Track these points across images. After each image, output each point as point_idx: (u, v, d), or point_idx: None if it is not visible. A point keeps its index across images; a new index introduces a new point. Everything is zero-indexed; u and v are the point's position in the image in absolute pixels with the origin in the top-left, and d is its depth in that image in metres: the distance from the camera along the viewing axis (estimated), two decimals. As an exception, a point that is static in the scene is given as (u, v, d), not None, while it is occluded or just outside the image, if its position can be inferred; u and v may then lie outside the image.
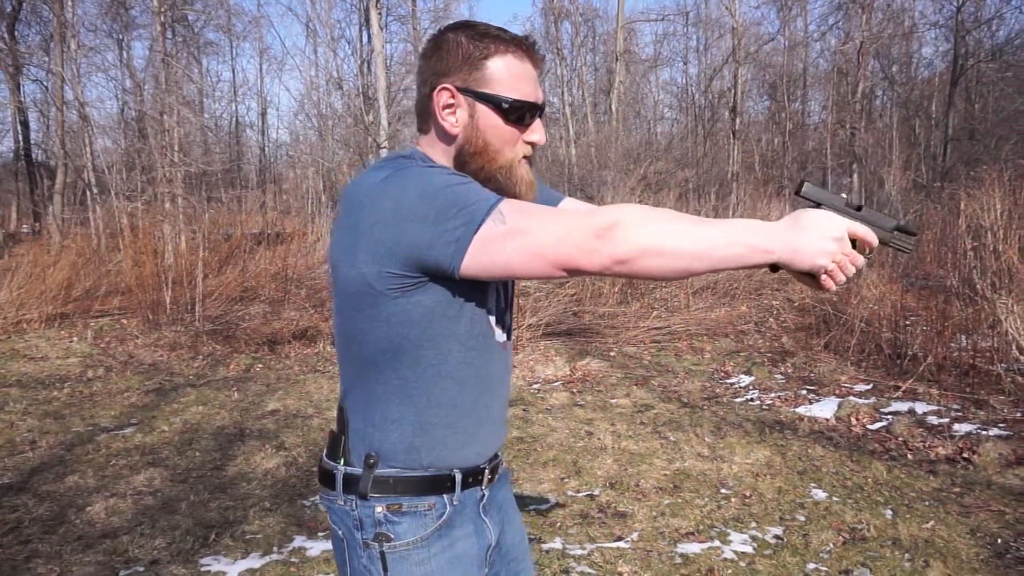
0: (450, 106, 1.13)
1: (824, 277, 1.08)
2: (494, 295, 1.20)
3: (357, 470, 1.16)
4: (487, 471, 1.24)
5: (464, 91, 1.12)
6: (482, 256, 1.01)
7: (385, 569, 1.15)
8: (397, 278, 1.05)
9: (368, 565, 1.16)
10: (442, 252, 1.01)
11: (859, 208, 1.12)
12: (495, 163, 1.14)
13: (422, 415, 1.14)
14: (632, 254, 0.97)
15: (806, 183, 1.11)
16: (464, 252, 1.00)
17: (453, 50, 1.12)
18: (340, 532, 1.19)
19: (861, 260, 1.09)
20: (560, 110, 22.01)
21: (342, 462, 1.17)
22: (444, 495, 1.17)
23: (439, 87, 1.13)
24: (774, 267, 1.08)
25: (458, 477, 1.18)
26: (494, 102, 1.12)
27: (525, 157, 1.17)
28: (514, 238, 1.00)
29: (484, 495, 1.25)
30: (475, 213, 1.00)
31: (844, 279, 1.08)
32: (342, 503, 1.17)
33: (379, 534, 1.14)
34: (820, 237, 1.05)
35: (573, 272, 1.01)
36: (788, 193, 14.29)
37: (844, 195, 1.13)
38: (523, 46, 1.14)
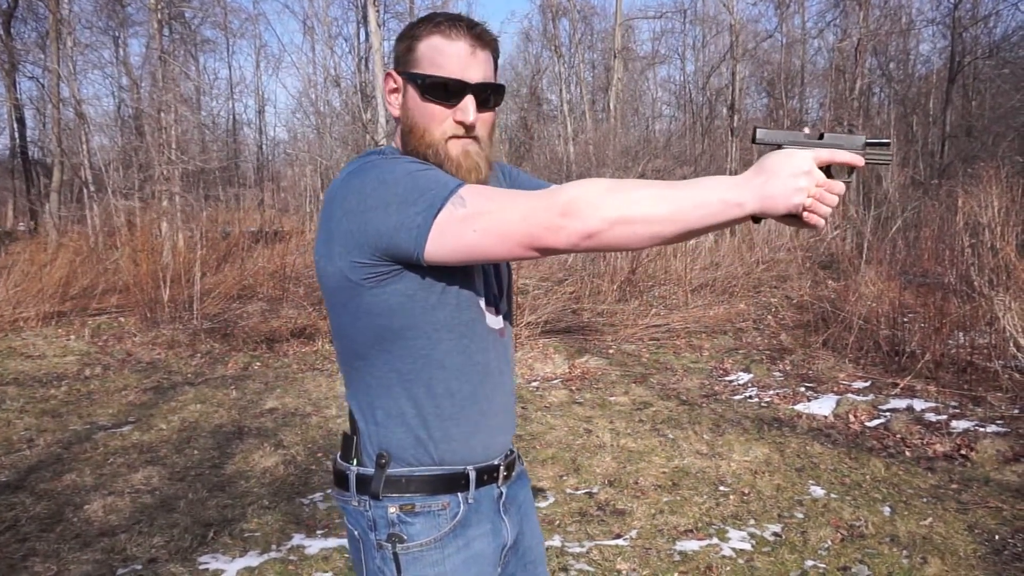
0: (394, 90, 1.18)
1: (806, 214, 1.05)
2: (482, 280, 1.19)
3: (369, 470, 1.16)
4: (502, 468, 1.23)
5: (401, 74, 1.16)
6: (445, 241, 1.01)
7: (399, 570, 1.14)
8: (370, 267, 1.06)
9: (382, 566, 1.15)
10: (405, 238, 1.02)
11: (821, 136, 1.08)
12: (423, 141, 1.14)
13: (422, 407, 1.14)
14: (599, 227, 0.97)
15: (759, 129, 1.08)
16: (426, 238, 1.01)
17: (401, 38, 1.17)
18: (356, 533, 1.18)
19: (840, 186, 1.06)
20: (558, 107, 22.00)
21: (355, 463, 1.17)
22: (458, 493, 1.17)
23: (385, 73, 1.19)
24: (756, 218, 1.05)
25: (472, 475, 1.18)
26: (413, 80, 1.14)
27: (458, 137, 1.14)
28: (476, 220, 1.00)
29: (502, 493, 1.24)
30: (435, 198, 1.01)
31: (828, 210, 1.05)
32: (356, 504, 1.17)
33: (392, 535, 1.14)
34: (789, 176, 1.01)
35: (543, 251, 1.01)
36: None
37: (804, 129, 1.09)
38: (456, 25, 1.13)
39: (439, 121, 1.13)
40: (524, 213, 1.00)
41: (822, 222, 1.06)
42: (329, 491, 3.62)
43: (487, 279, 1.21)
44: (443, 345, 1.13)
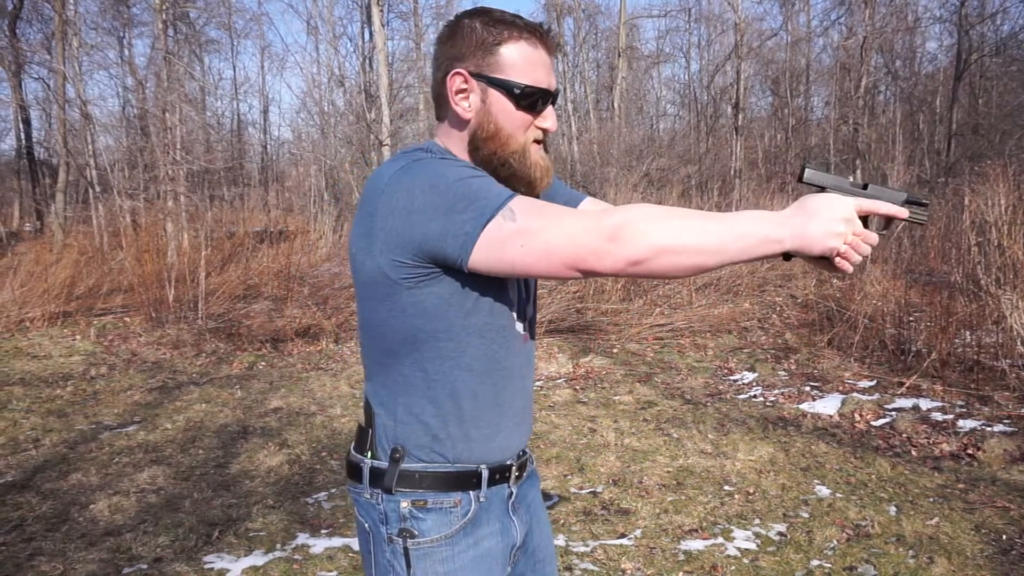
0: (463, 91, 1.14)
1: (839, 260, 1.06)
2: (514, 287, 1.19)
3: (383, 464, 1.16)
4: (514, 468, 1.23)
5: (477, 76, 1.13)
6: (490, 252, 1.01)
7: (408, 565, 1.14)
8: (410, 268, 1.06)
9: (392, 560, 1.16)
10: (451, 245, 1.01)
11: (865, 186, 1.10)
12: (507, 148, 1.14)
13: (444, 408, 1.14)
14: (646, 255, 0.98)
15: (807, 168, 1.09)
16: (472, 247, 1.01)
17: (467, 35, 1.13)
18: (366, 525, 1.19)
19: (874, 238, 1.07)
20: (562, 107, 21.98)
21: (369, 455, 1.17)
22: (470, 491, 1.17)
23: (452, 72, 1.13)
24: (787, 255, 1.06)
25: (485, 473, 1.18)
26: (506, 87, 1.12)
27: (537, 142, 1.17)
28: (523, 236, 1.00)
29: (512, 493, 1.24)
30: (485, 208, 1.00)
31: (859, 258, 1.07)
32: (368, 496, 1.17)
33: (403, 530, 1.14)
34: (830, 220, 1.03)
35: (586, 273, 1.01)
36: (791, 189, 14.23)
37: (850, 177, 1.11)
38: (537, 33, 1.14)
39: (525, 128, 1.15)
40: (572, 234, 0.99)
41: (851, 269, 1.08)
42: (334, 490, 3.63)
43: (517, 286, 1.21)
44: (472, 349, 1.13)
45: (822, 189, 1.09)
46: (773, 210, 1.06)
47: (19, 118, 19.05)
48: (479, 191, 1.02)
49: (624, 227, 0.97)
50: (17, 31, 17.01)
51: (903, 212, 1.11)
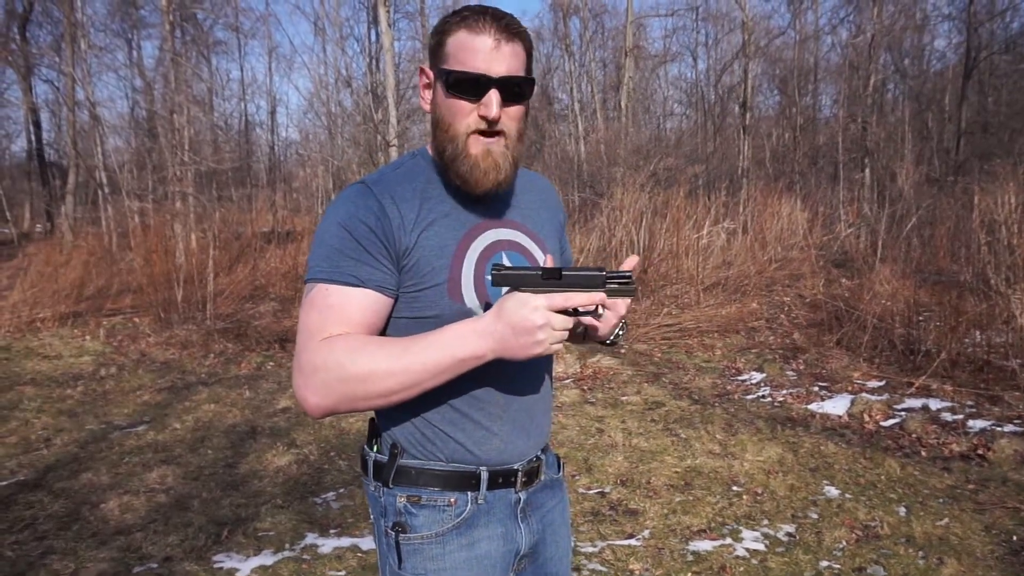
0: (427, 86, 1.20)
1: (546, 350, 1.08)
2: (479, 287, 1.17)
3: (384, 458, 1.19)
4: (521, 474, 1.22)
5: (432, 69, 1.17)
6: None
7: (400, 559, 1.17)
8: None
9: (387, 552, 1.19)
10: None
11: (559, 275, 1.06)
12: (447, 135, 1.15)
13: (432, 407, 1.15)
14: (332, 405, 1.08)
15: (495, 272, 1.07)
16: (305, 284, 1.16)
17: (433, 33, 1.18)
18: (372, 516, 1.23)
19: (571, 322, 1.07)
20: (569, 107, 21.96)
21: (374, 449, 1.21)
22: (468, 492, 1.18)
23: (419, 69, 1.20)
24: None
25: (484, 475, 1.18)
26: (440, 76, 1.15)
27: (481, 132, 1.13)
28: (303, 309, 1.13)
29: (520, 499, 1.23)
30: (312, 268, 1.14)
31: (560, 345, 1.08)
32: (373, 488, 1.21)
33: (397, 523, 1.17)
34: (525, 334, 1.04)
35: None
36: (799, 188, 14.17)
37: (539, 268, 1.07)
38: (481, 18, 1.11)
39: (463, 116, 1.13)
40: (297, 351, 1.10)
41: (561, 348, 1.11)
42: (342, 490, 3.64)
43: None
44: None
45: (517, 287, 1.06)
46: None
47: (29, 120, 19.17)
48: (324, 251, 1.12)
49: (317, 372, 1.07)
50: (27, 34, 17.13)
51: (598, 297, 1.07)
